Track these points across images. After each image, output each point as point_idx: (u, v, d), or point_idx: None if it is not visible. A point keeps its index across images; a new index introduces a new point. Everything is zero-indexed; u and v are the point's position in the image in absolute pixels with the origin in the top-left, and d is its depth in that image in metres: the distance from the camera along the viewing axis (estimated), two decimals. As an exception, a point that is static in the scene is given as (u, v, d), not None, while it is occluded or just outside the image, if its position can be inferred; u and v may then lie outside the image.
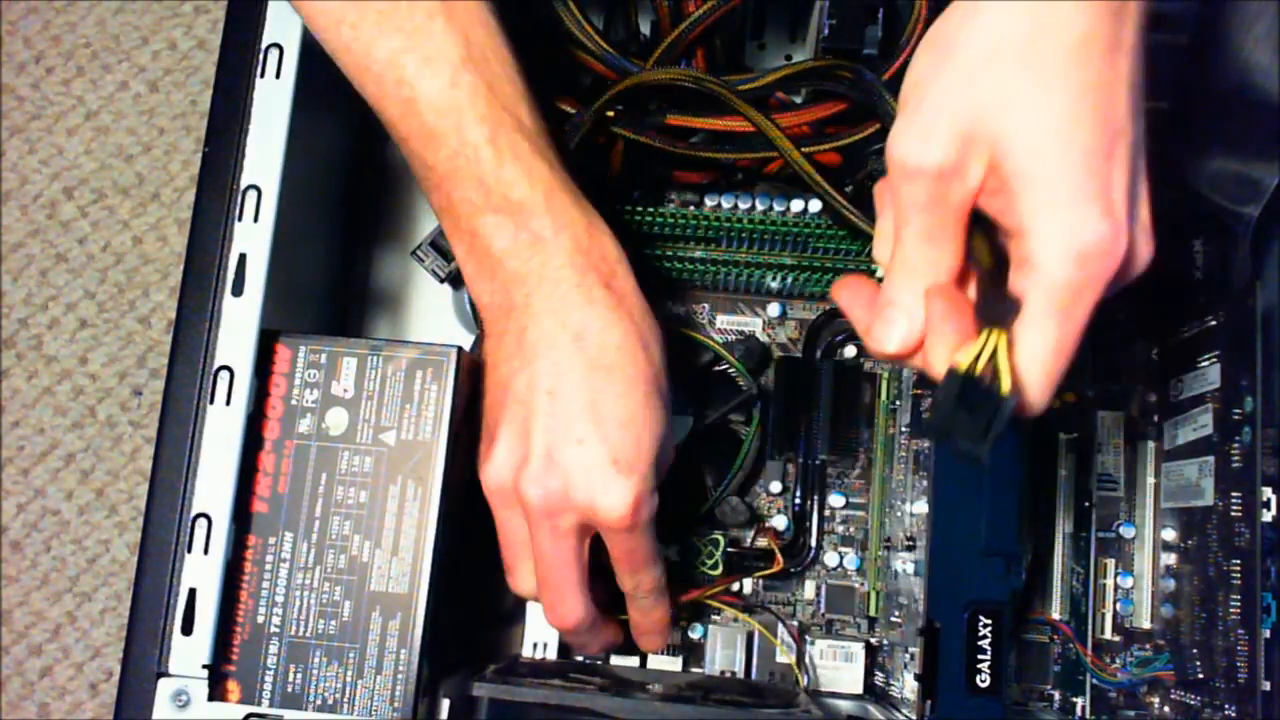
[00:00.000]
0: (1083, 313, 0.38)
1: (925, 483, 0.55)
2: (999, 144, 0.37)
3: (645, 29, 0.59)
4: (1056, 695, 0.59)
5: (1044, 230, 0.37)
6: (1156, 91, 0.61)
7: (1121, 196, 0.37)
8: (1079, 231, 0.37)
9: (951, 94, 0.38)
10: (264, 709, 0.45)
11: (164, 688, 0.45)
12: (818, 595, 0.60)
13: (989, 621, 0.49)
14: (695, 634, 0.59)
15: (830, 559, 0.59)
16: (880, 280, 0.42)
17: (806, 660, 0.58)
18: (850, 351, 0.61)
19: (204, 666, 0.45)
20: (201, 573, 0.45)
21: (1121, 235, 0.37)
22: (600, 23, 0.58)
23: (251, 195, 0.48)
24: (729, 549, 0.57)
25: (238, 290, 0.47)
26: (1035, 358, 0.38)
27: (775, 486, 0.60)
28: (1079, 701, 0.58)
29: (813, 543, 0.59)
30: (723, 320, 0.62)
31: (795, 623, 0.59)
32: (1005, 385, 0.38)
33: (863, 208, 0.54)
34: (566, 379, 0.45)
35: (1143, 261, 0.39)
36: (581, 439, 0.45)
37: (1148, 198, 0.39)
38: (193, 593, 0.45)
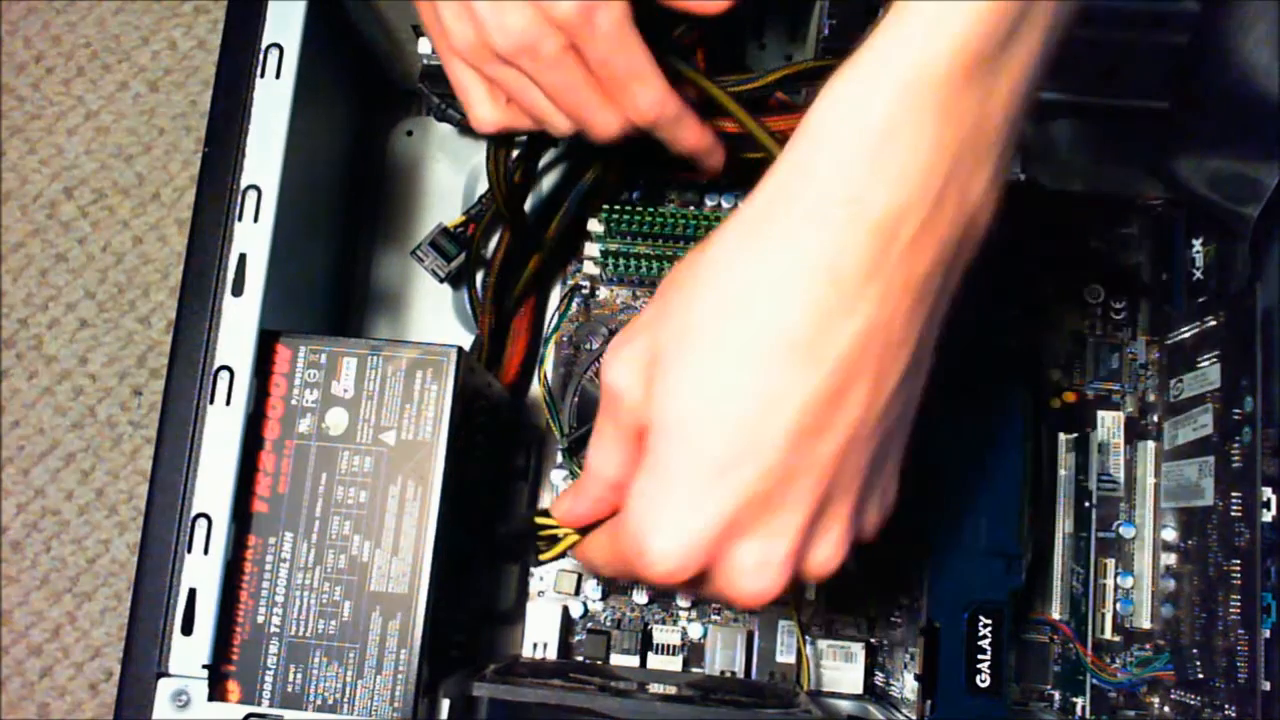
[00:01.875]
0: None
1: (926, 482, 0.55)
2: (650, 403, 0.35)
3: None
4: (1056, 695, 0.59)
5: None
6: (1157, 91, 0.61)
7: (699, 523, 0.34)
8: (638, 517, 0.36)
9: (647, 325, 0.36)
10: (264, 709, 0.45)
11: (164, 688, 0.45)
12: (818, 595, 0.60)
13: (989, 621, 0.49)
14: (695, 634, 0.59)
15: (830, 559, 0.59)
16: None
17: (806, 658, 0.58)
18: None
19: (204, 666, 0.45)
20: (201, 573, 0.45)
21: (679, 559, 0.34)
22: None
23: (251, 195, 0.48)
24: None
25: (238, 290, 0.47)
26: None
27: (775, 486, 0.60)
28: (1079, 701, 0.58)
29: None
30: (723, 320, 0.62)
31: (794, 622, 0.59)
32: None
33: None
34: None
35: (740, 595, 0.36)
36: None
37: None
38: (193, 593, 0.45)
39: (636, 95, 0.45)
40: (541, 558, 0.46)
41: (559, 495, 0.43)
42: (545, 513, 0.45)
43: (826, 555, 0.36)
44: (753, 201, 0.34)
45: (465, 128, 0.62)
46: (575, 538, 0.44)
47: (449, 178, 0.65)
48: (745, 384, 0.33)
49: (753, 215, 0.34)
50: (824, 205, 0.32)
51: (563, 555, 0.45)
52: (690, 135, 0.48)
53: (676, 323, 0.35)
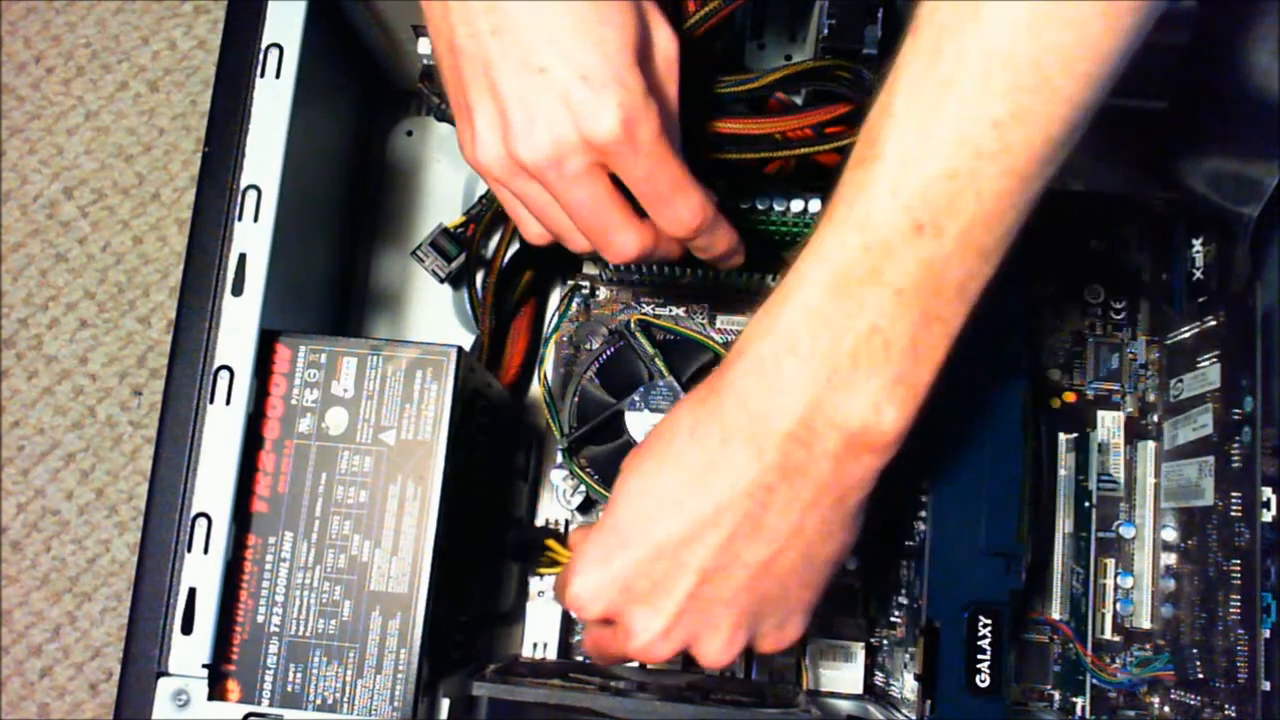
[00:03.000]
0: None
1: (925, 483, 0.55)
2: None
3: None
4: (1056, 695, 0.59)
5: None
6: (1157, 91, 0.61)
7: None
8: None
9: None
10: (264, 708, 0.45)
11: (164, 687, 0.45)
12: (818, 595, 0.60)
13: (989, 621, 0.49)
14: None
15: (830, 559, 0.59)
16: None
17: (806, 660, 0.58)
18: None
19: (204, 666, 0.45)
20: (201, 572, 0.45)
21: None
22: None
23: (251, 195, 0.48)
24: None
25: (238, 290, 0.47)
26: None
27: (775, 486, 0.60)
28: (1079, 701, 0.58)
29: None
30: (722, 320, 0.62)
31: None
32: None
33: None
34: (504, 9, 0.41)
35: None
36: (542, 67, 0.41)
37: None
38: (193, 592, 0.45)
39: (679, 207, 0.44)
40: (540, 571, 0.56)
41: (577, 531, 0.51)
42: (559, 538, 0.56)
43: (715, 650, 0.43)
44: (697, 393, 0.42)
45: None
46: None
47: (449, 178, 0.65)
48: (653, 494, 0.42)
49: (693, 406, 0.42)
50: (736, 421, 0.41)
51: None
52: (724, 239, 0.48)
53: (636, 457, 0.44)
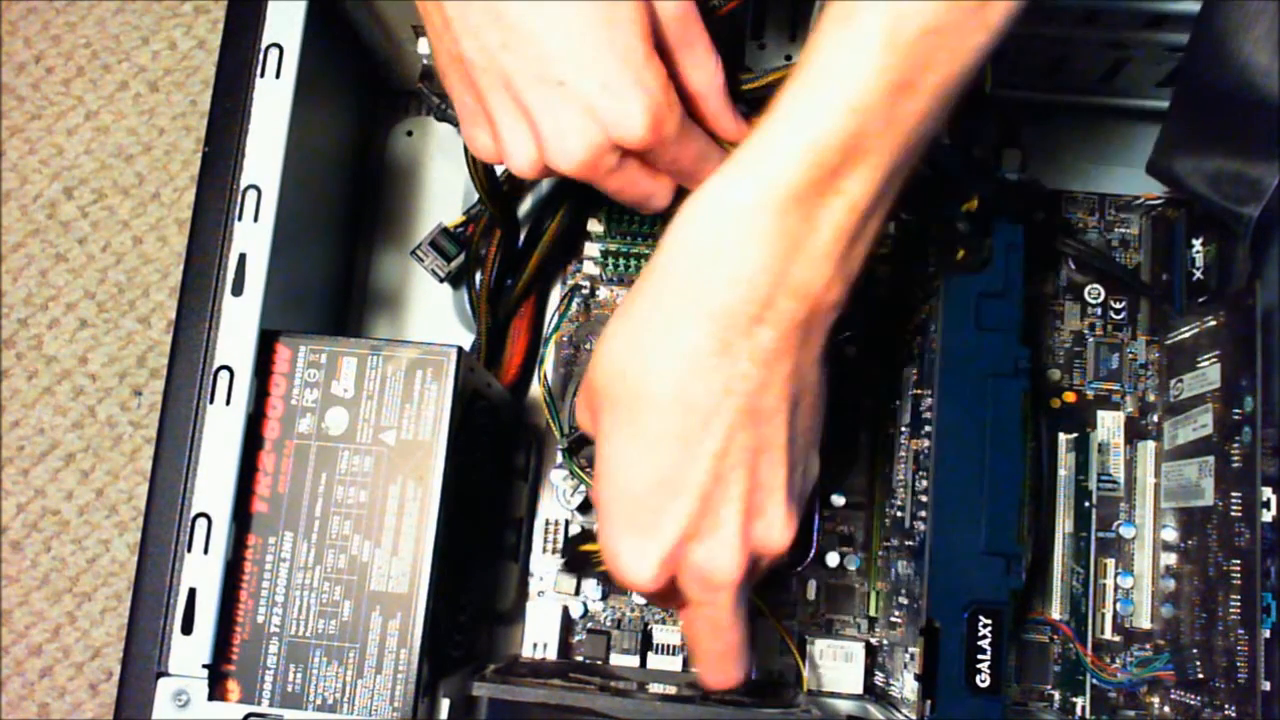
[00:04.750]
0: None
1: (925, 482, 0.56)
2: None
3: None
4: (1056, 695, 0.59)
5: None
6: (1156, 91, 0.61)
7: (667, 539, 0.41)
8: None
9: (586, 387, 0.44)
10: (264, 709, 0.45)
11: (164, 687, 0.45)
12: (818, 595, 0.60)
13: (989, 621, 0.49)
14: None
15: (830, 559, 0.59)
16: None
17: (807, 660, 0.58)
18: (850, 352, 0.61)
19: (204, 666, 0.45)
20: (201, 572, 0.45)
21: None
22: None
23: (251, 195, 0.48)
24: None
25: (238, 290, 0.47)
26: None
27: (775, 486, 0.60)
28: (1079, 701, 0.58)
29: (813, 543, 0.59)
30: (723, 320, 0.62)
31: (794, 622, 0.59)
32: None
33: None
34: (510, 21, 0.41)
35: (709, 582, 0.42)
36: (561, 80, 0.41)
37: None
38: (193, 592, 0.45)
39: (704, 173, 0.45)
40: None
41: None
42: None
43: (780, 521, 0.43)
44: (633, 299, 0.42)
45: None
46: None
47: (449, 178, 0.65)
48: (644, 447, 0.41)
49: (634, 310, 0.42)
50: (681, 303, 0.40)
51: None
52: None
53: (596, 398, 0.43)
